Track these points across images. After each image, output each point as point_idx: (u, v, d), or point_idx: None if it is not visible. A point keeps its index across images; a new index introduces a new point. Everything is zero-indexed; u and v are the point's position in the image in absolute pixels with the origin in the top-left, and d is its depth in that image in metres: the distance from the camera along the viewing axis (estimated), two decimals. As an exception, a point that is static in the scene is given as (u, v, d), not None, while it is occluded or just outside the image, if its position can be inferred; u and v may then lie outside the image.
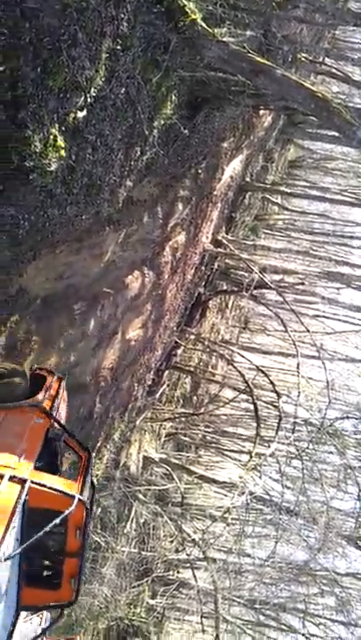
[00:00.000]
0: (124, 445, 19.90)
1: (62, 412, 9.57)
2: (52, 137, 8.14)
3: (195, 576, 21.15)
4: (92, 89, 8.70)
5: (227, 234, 23.47)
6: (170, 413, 24.80)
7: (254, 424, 20.17)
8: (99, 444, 17.46)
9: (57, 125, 8.24)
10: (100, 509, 18.53)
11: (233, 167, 21.19)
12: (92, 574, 19.15)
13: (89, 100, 8.73)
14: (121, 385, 17.57)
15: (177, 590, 24.73)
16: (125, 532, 22.33)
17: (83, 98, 8.59)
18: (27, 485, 7.36)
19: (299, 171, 36.36)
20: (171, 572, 25.01)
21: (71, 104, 8.43)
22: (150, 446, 22.53)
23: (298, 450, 20.07)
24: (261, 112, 20.38)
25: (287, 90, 10.27)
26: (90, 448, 9.39)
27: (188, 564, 22.38)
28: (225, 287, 25.05)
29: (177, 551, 22.73)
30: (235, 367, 22.64)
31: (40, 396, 9.17)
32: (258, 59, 10.15)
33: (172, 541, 22.83)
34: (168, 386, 24.56)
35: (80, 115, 8.72)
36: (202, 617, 21.93)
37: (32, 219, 8.87)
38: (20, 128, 7.70)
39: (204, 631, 22.98)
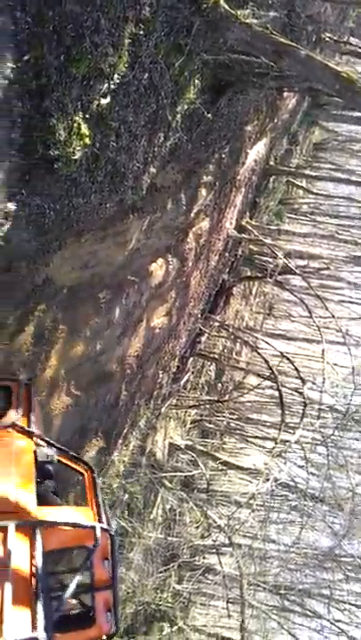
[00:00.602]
0: (149, 432, 19.97)
1: (38, 424, 8.21)
2: (76, 125, 8.11)
3: (220, 562, 21.23)
4: (116, 75, 8.64)
5: (251, 219, 23.22)
6: (195, 400, 24.80)
7: (279, 411, 20.08)
8: (125, 431, 17.56)
9: (81, 113, 8.21)
10: (127, 495, 18.68)
11: (257, 151, 20.92)
12: (120, 560, 19.28)
13: (112, 86, 8.68)
14: (146, 372, 17.60)
15: (203, 576, 24.86)
16: (152, 517, 22.49)
17: (106, 85, 8.54)
18: (38, 533, 6.19)
19: (324, 153, 35.80)
20: (197, 558, 25.14)
21: (95, 91, 8.39)
22: (176, 433, 22.59)
23: (323, 436, 19.96)
24: (285, 94, 20.08)
25: (311, 71, 10.11)
26: (91, 464, 8.10)
27: (214, 550, 22.48)
28: (249, 273, 24.83)
29: (203, 537, 22.81)
30: (259, 354, 22.48)
31: (12, 414, 7.79)
32: (281, 40, 10.00)
33: (197, 527, 22.90)
34: (193, 373, 24.55)
35: (104, 102, 8.67)
36: (227, 602, 22.02)
37: (57, 208, 8.88)
38: (44, 117, 7.69)
39: (229, 616, 23.09)
